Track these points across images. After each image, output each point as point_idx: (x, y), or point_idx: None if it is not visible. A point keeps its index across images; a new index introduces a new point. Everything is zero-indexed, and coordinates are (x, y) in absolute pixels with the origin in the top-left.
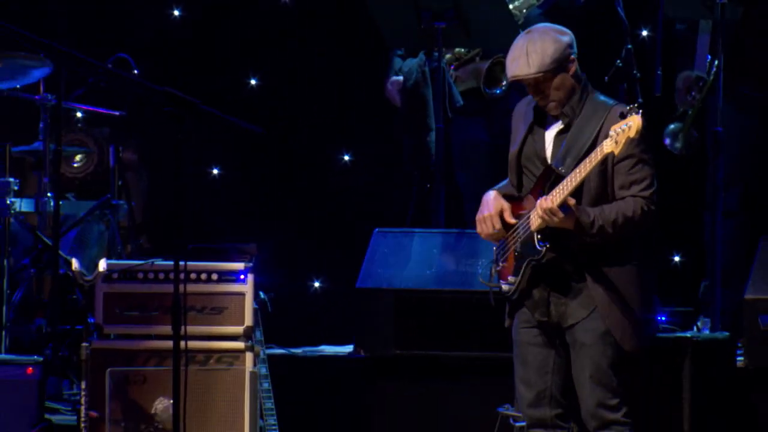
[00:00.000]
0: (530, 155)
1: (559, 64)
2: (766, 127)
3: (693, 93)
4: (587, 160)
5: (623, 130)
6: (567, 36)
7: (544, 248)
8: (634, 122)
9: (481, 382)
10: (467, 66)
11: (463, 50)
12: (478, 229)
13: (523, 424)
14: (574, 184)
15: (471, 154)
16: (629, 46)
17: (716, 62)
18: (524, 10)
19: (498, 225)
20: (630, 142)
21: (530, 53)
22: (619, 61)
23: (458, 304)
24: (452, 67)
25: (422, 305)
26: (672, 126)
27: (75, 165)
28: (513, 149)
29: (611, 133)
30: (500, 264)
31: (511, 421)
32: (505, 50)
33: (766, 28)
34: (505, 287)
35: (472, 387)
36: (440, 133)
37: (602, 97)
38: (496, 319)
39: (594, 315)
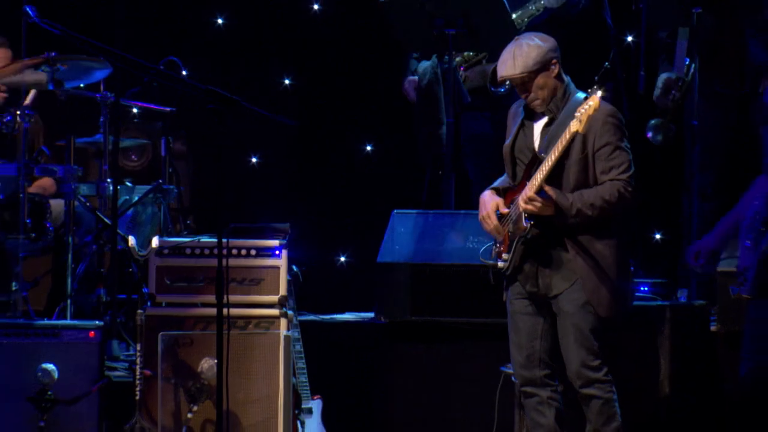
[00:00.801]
0: (521, 147)
1: (542, 66)
2: (737, 120)
3: (673, 92)
4: (558, 142)
5: (585, 110)
6: (549, 42)
7: (529, 224)
8: (592, 101)
9: (486, 344)
10: (475, 67)
11: (471, 53)
12: (483, 227)
13: None
14: (549, 164)
15: (477, 145)
16: (616, 50)
17: (693, 64)
18: (525, 19)
19: (495, 221)
20: (599, 123)
21: (516, 56)
22: (607, 63)
23: (466, 276)
24: (462, 69)
25: (435, 277)
26: (653, 121)
27: (133, 159)
28: (507, 143)
29: (576, 114)
30: (498, 245)
31: (513, 379)
32: None
33: (737, 35)
34: (500, 264)
35: (478, 349)
36: (450, 127)
37: (584, 95)
38: (499, 290)
39: (575, 286)
